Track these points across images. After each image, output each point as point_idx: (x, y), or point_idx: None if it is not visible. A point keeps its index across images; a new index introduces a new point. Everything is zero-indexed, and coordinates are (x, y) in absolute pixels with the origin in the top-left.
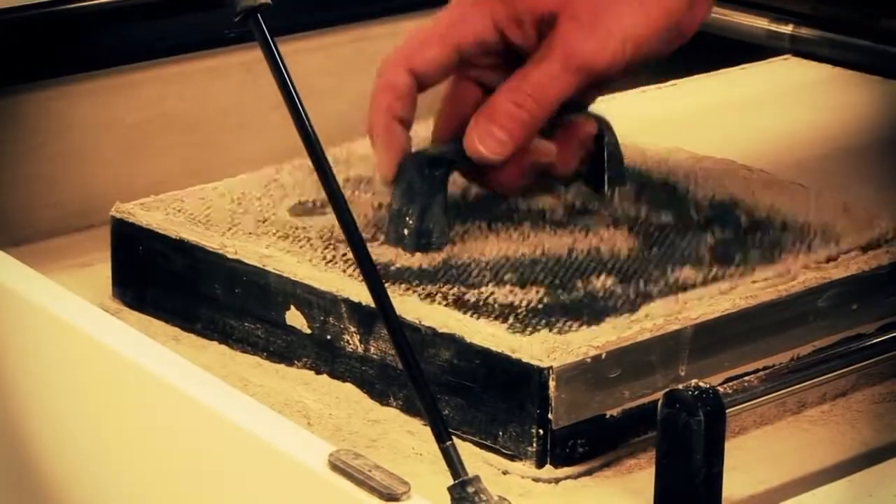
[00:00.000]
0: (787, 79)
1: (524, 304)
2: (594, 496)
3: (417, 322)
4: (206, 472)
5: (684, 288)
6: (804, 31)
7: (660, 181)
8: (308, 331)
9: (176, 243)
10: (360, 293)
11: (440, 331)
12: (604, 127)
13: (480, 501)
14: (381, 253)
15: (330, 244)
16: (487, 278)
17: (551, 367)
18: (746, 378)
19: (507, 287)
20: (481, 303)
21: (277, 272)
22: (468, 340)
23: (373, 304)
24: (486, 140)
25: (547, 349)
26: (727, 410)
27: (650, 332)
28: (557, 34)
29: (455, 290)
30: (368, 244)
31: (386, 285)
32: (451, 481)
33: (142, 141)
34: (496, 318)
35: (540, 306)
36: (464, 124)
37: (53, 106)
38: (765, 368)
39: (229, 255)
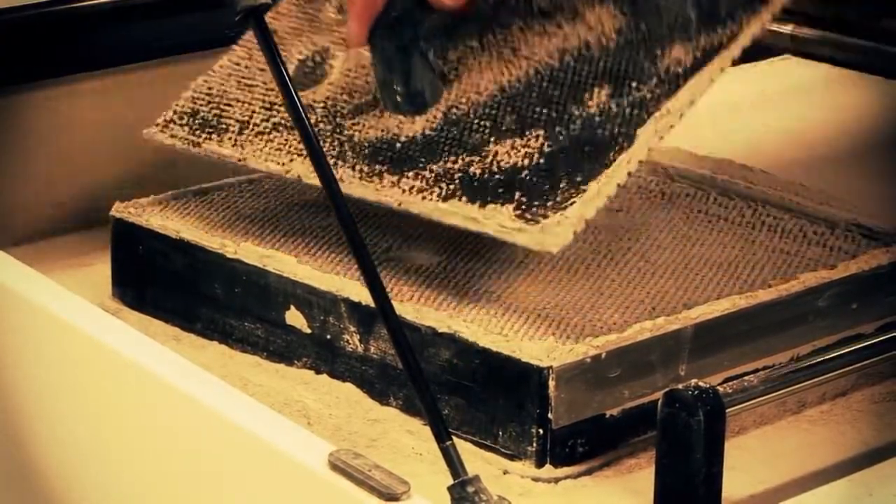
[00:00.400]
0: (787, 79)
1: (528, 163)
2: (594, 496)
3: (417, 322)
4: (206, 472)
5: (676, 78)
6: (804, 31)
7: None
8: (308, 331)
9: (176, 243)
10: (360, 293)
11: (440, 331)
12: None
13: (480, 501)
14: (384, 127)
15: (334, 122)
16: (488, 130)
17: (551, 367)
18: (746, 378)
19: (509, 142)
20: (486, 175)
21: (277, 272)
22: (468, 340)
23: (373, 304)
24: None
25: (547, 349)
26: (727, 410)
27: (650, 332)
28: None
29: (460, 162)
30: (373, 115)
31: (396, 180)
32: (451, 481)
33: (142, 141)
34: (504, 201)
35: (542, 161)
36: None
37: (53, 106)
38: (765, 368)
39: (229, 255)
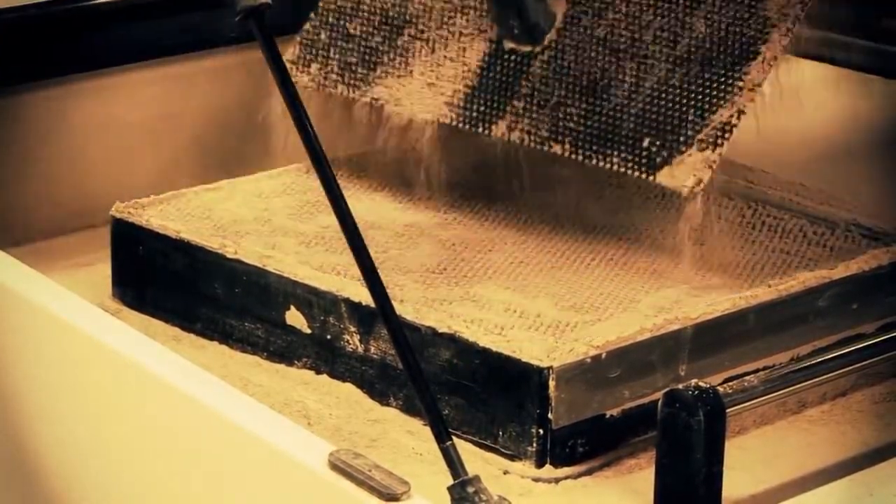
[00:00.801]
0: (787, 79)
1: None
2: (594, 496)
3: (417, 322)
4: (206, 472)
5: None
6: (804, 31)
7: None
8: (308, 331)
9: (176, 243)
10: (360, 293)
11: (440, 331)
12: None
13: (480, 501)
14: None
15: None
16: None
17: (551, 367)
18: (746, 378)
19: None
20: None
21: (277, 272)
22: (468, 340)
23: (373, 304)
24: None
25: (547, 349)
26: (727, 410)
27: (650, 332)
28: None
29: (581, 106)
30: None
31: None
32: (451, 481)
33: (142, 141)
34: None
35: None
36: None
37: (53, 106)
38: (765, 368)
39: (229, 255)
